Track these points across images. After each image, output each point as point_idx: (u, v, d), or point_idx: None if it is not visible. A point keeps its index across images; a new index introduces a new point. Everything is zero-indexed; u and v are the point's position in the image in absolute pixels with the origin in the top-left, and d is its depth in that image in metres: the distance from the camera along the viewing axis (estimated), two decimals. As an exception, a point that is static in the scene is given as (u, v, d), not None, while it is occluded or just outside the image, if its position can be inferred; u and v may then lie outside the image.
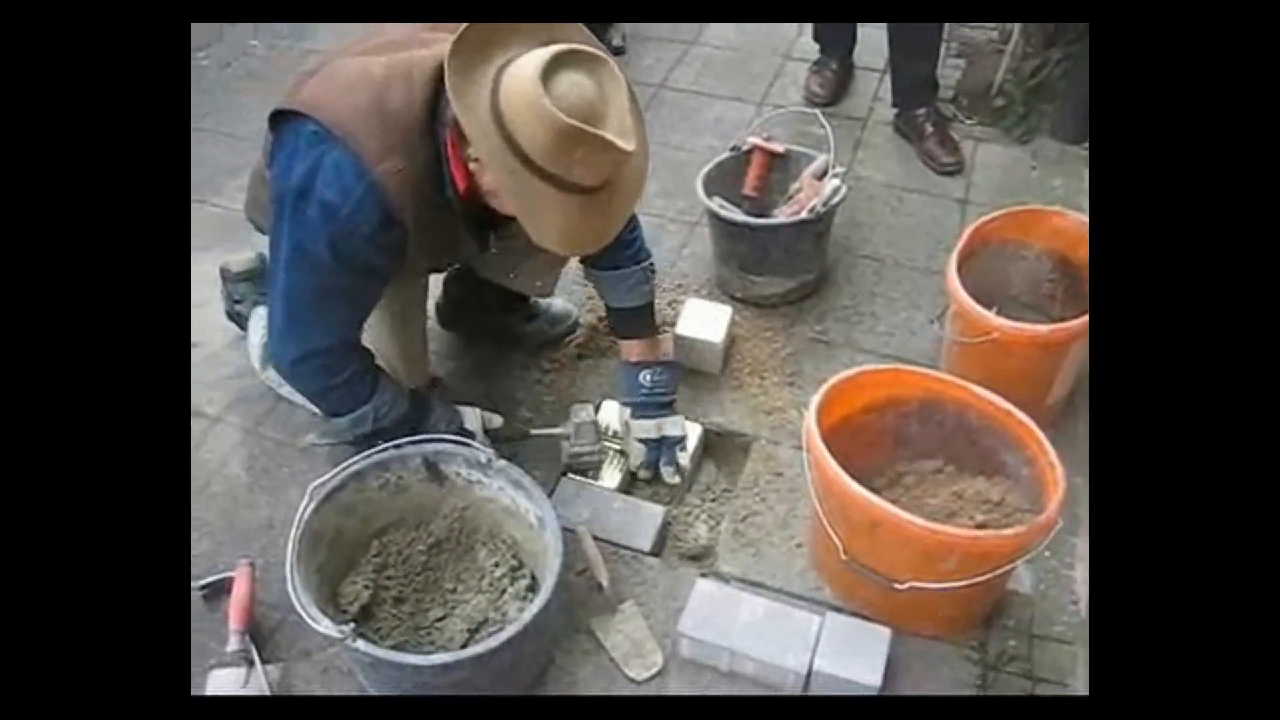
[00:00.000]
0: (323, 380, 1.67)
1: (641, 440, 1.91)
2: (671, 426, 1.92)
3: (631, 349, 1.95)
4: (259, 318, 2.09)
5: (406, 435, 1.68)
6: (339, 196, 1.46)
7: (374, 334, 1.82)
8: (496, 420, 1.88)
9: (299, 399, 1.98)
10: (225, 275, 2.18)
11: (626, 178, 1.55)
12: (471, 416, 1.83)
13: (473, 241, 1.69)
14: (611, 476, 1.93)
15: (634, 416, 1.92)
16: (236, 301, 2.17)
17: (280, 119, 1.55)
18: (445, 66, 1.39)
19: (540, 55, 1.38)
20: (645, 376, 1.92)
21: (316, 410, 1.80)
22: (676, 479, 1.94)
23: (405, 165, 1.48)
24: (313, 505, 1.54)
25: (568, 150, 1.39)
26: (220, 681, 1.58)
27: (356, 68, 1.51)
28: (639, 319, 1.94)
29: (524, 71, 1.38)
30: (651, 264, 1.92)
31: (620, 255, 1.86)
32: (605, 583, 1.71)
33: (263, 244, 2.31)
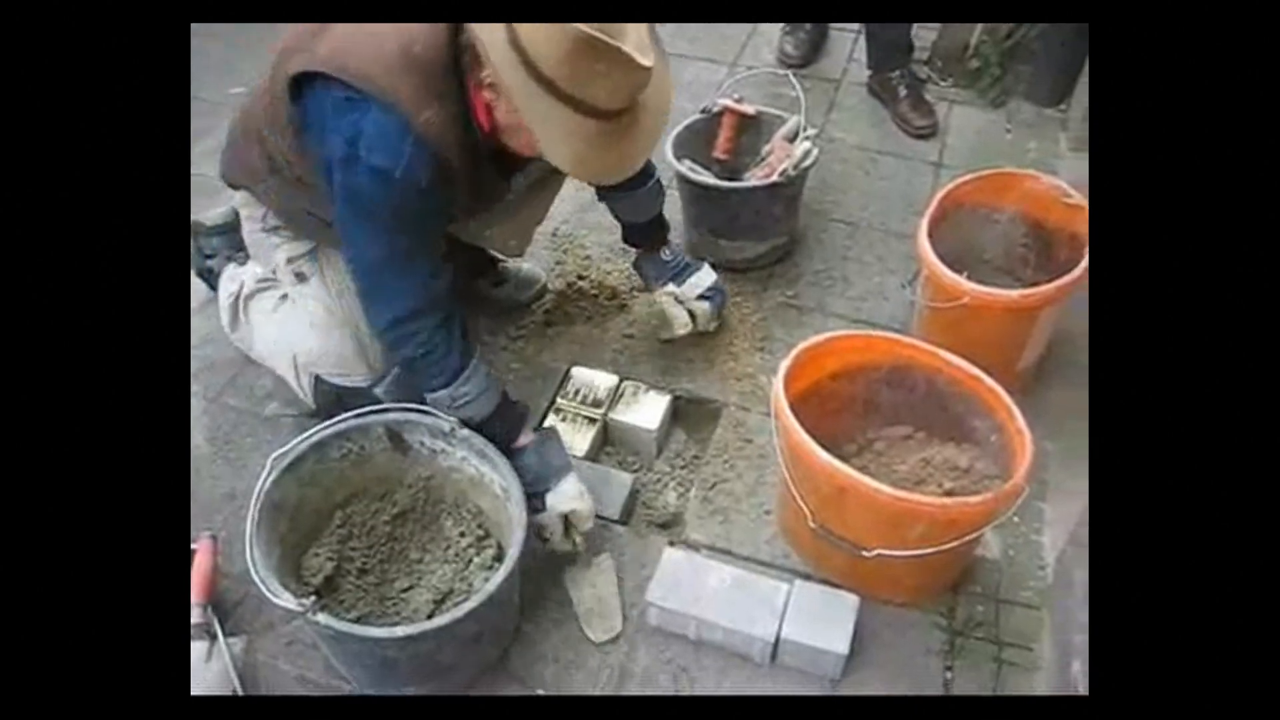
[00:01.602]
0: (409, 348, 1.57)
1: (701, 296, 2.03)
2: (708, 275, 2.05)
3: (645, 248, 2.04)
4: (230, 277, 2.04)
5: (498, 441, 1.61)
6: (389, 160, 1.40)
7: (339, 292, 1.79)
8: (611, 381, 1.98)
9: (270, 363, 1.94)
10: (198, 230, 2.13)
11: (649, 108, 1.49)
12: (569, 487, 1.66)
13: (502, 183, 1.67)
14: (580, 442, 1.91)
15: (678, 284, 2.03)
16: (208, 257, 2.12)
17: (302, 83, 1.46)
18: None
19: None
20: (665, 253, 2.03)
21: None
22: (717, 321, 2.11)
23: (441, 111, 1.42)
24: (273, 476, 1.52)
25: (585, 64, 1.34)
26: (182, 655, 1.56)
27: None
28: (651, 229, 2.01)
29: None
30: (659, 180, 1.96)
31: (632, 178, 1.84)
32: (580, 543, 1.69)
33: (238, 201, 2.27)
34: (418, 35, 1.41)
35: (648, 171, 1.92)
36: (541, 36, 1.33)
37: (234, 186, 1.82)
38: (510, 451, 1.62)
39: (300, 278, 1.82)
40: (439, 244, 1.62)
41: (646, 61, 1.37)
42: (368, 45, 1.42)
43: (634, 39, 1.37)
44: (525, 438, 1.66)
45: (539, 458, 1.64)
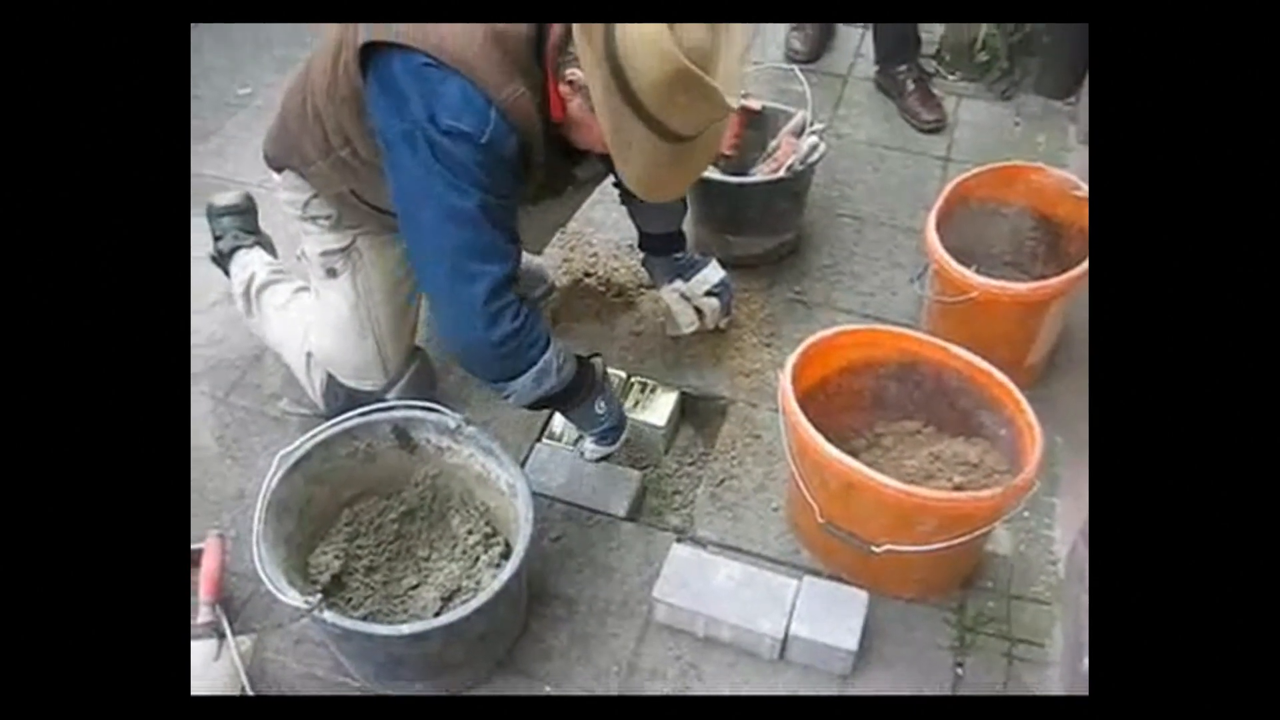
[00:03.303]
0: (508, 324, 1.49)
1: (710, 293, 2.02)
2: (716, 272, 2.03)
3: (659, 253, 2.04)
4: (241, 265, 2.04)
5: (576, 409, 1.69)
6: (474, 125, 1.37)
7: (368, 294, 1.79)
8: (619, 376, 1.97)
9: (286, 352, 1.94)
10: (210, 211, 2.13)
11: (712, 133, 1.50)
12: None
13: (570, 172, 1.66)
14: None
15: (685, 280, 2.02)
16: (217, 238, 2.11)
17: (370, 55, 1.42)
18: None
19: None
20: (675, 253, 2.02)
21: (495, 382, 1.57)
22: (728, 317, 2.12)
23: (523, 90, 1.40)
24: (280, 474, 1.51)
25: (674, 93, 1.34)
26: (191, 654, 1.56)
27: None
28: (669, 239, 2.01)
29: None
30: (685, 196, 1.98)
31: None
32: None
33: (256, 182, 2.28)
34: None
35: None
36: (641, 57, 1.32)
37: (278, 169, 1.78)
38: (589, 399, 1.70)
39: (331, 273, 1.81)
40: (515, 225, 1.54)
41: (733, 103, 1.38)
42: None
43: (724, 74, 1.37)
44: (589, 377, 1.72)
45: (613, 405, 1.76)
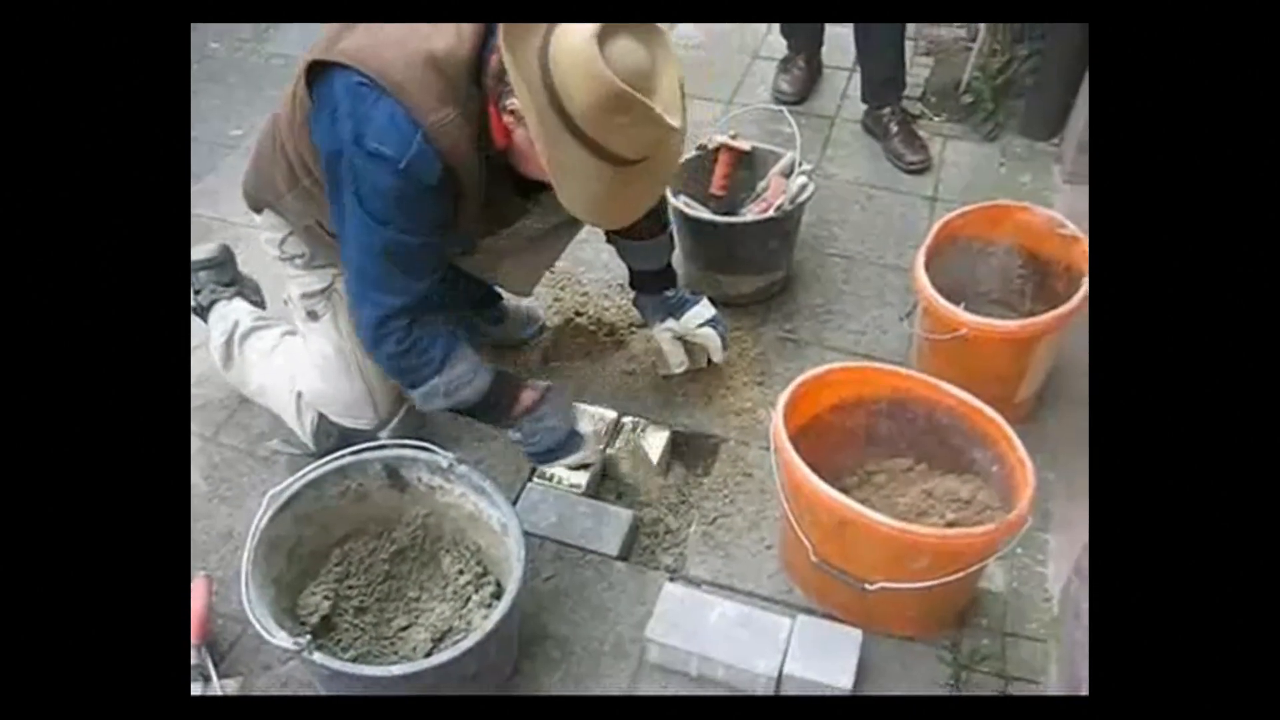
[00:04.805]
0: (393, 346, 1.58)
1: (702, 326, 1.99)
2: (707, 309, 2.01)
3: (649, 291, 2.03)
4: (221, 316, 2.03)
5: (498, 418, 1.75)
6: (396, 150, 1.39)
7: (351, 335, 1.78)
8: (610, 415, 1.92)
9: (263, 400, 1.94)
10: None
11: (663, 156, 1.51)
12: (586, 419, 1.84)
13: (519, 202, 1.67)
14: (579, 478, 1.90)
15: (676, 319, 2.00)
16: (196, 292, 2.10)
17: (317, 75, 1.46)
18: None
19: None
20: (665, 290, 2.01)
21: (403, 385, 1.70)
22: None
23: (455, 117, 1.42)
24: (269, 514, 1.50)
25: (612, 116, 1.36)
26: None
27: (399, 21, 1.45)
28: (659, 277, 2.00)
29: (579, 30, 1.33)
30: (672, 232, 1.99)
31: (648, 225, 1.86)
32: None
33: (238, 231, 2.28)
34: (441, 40, 1.41)
35: (663, 223, 1.94)
36: (574, 81, 1.34)
37: (257, 209, 1.79)
38: (514, 421, 1.76)
39: (312, 315, 1.81)
40: (440, 257, 1.60)
41: (675, 122, 1.40)
42: (389, 42, 1.42)
43: (665, 96, 1.40)
44: (527, 399, 1.75)
45: (541, 426, 1.77)
